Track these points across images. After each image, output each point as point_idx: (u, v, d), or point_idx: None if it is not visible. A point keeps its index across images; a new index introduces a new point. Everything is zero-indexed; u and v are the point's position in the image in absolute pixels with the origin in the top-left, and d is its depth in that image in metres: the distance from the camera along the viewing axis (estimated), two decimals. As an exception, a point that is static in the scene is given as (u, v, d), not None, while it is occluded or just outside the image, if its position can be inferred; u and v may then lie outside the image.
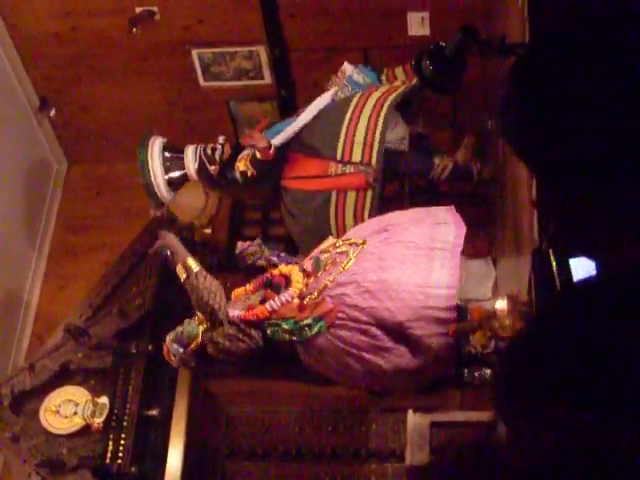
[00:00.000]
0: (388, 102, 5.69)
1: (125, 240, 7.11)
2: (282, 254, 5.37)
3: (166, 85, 7.63)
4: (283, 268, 4.95)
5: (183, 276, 4.86)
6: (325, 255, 4.94)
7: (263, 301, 4.81)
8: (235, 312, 4.72)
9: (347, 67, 5.98)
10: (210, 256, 6.94)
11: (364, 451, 6.57)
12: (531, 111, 2.04)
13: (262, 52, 7.25)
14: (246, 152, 5.91)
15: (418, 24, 6.80)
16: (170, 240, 5.08)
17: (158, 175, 6.07)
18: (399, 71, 6.01)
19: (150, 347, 6.19)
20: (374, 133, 5.64)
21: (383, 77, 6.07)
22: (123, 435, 6.07)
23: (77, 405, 6.13)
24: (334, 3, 6.94)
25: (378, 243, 4.81)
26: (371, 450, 6.57)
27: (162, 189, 6.12)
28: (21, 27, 7.42)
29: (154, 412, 6.21)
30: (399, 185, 6.52)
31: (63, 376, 6.29)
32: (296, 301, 4.68)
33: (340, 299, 4.65)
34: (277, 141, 5.87)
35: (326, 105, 5.94)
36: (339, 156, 5.72)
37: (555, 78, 1.99)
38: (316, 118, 5.93)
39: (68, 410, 6.12)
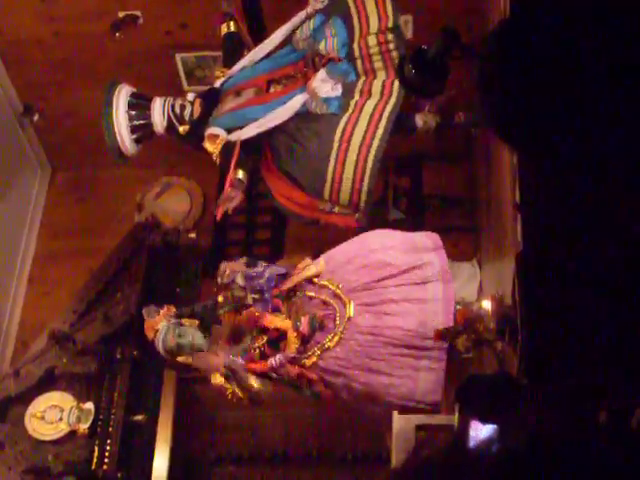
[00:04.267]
0: (375, 145, 5.38)
1: (109, 245, 7.10)
2: (269, 280, 5.11)
3: (150, 90, 7.55)
4: (278, 323, 4.89)
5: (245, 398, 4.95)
6: (313, 299, 4.91)
7: (261, 353, 4.87)
8: (239, 360, 4.82)
9: (318, 87, 5.56)
10: (195, 261, 6.93)
11: (350, 455, 6.59)
12: (510, 87, 2.02)
13: (246, 55, 7.24)
14: (213, 131, 5.66)
15: (402, 27, 6.76)
16: (234, 362, 4.98)
17: (124, 133, 5.78)
18: (377, 59, 5.58)
19: (135, 352, 6.18)
20: (362, 178, 5.38)
21: (357, 54, 5.59)
22: (109, 441, 6.06)
23: (62, 411, 6.11)
24: (317, 6, 6.93)
25: (364, 328, 4.77)
26: (357, 454, 6.58)
27: (127, 145, 5.81)
28: (4, 33, 7.40)
29: (140, 417, 6.20)
30: (383, 188, 6.51)
31: (48, 382, 6.27)
32: (296, 369, 4.78)
33: (329, 386, 4.83)
34: (248, 134, 5.59)
35: (301, 112, 5.57)
36: (326, 197, 5.52)
37: (533, 54, 1.99)
38: (293, 132, 5.60)
39: (53, 416, 6.10)
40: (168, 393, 6.32)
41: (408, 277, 4.79)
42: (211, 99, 5.85)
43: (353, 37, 5.64)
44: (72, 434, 6.08)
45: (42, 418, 6.10)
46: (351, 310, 4.75)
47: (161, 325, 5.04)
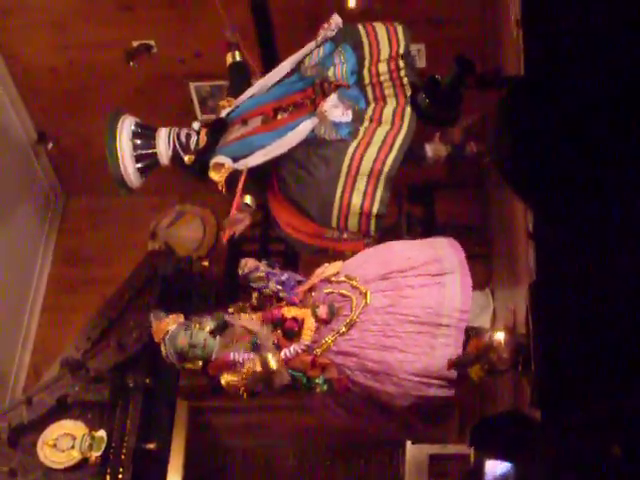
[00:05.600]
0: (385, 172, 5.35)
1: (123, 273, 7.10)
2: (288, 280, 5.14)
3: (164, 118, 7.57)
4: (296, 312, 4.90)
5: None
6: (331, 294, 4.92)
7: (276, 346, 4.84)
8: (251, 355, 4.78)
9: (329, 111, 5.53)
10: (208, 289, 6.93)
11: (363, 484, 6.57)
12: (520, 143, 2.04)
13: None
14: (219, 160, 5.61)
15: (414, 54, 6.75)
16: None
17: (128, 162, 5.67)
18: (387, 86, 5.55)
19: (148, 380, 6.18)
20: (371, 204, 5.36)
21: (367, 81, 5.57)
22: (121, 469, 6.04)
23: (74, 439, 6.09)
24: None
25: (380, 309, 4.78)
26: (370, 483, 6.56)
27: (131, 175, 5.71)
28: (19, 61, 7.46)
29: (152, 446, 6.18)
30: (396, 216, 6.51)
31: (60, 410, 6.26)
32: (309, 358, 4.75)
33: (343, 370, 4.76)
34: (255, 162, 5.54)
35: (310, 139, 5.53)
36: (334, 225, 5.49)
37: (542, 111, 2.00)
38: (301, 160, 5.55)
39: (65, 444, 6.08)
40: (180, 421, 6.32)
41: (426, 269, 4.86)
42: (217, 128, 5.79)
43: (363, 64, 5.59)
44: (84, 462, 6.06)
45: (54, 446, 6.09)
46: (369, 298, 4.78)
47: (172, 326, 4.98)
